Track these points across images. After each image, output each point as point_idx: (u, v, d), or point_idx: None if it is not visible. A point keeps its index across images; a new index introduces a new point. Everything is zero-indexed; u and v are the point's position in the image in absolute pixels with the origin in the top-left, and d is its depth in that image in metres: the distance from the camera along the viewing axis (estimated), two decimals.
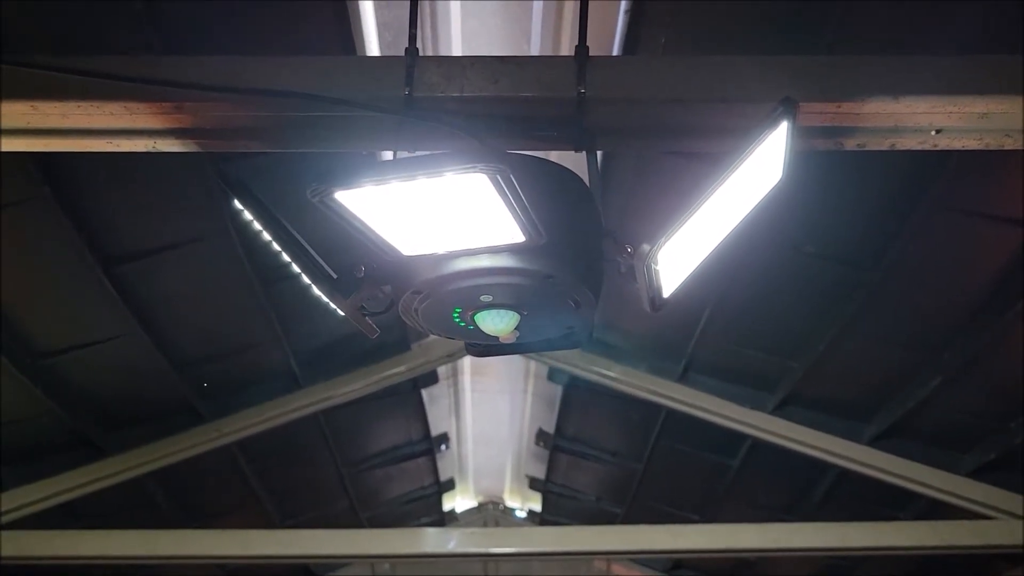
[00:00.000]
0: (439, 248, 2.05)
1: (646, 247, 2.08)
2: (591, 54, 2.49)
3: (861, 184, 3.98)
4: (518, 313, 2.23)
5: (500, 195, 1.78)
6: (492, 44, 4.11)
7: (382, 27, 3.92)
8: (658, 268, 2.15)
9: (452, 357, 6.45)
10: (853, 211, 4.23)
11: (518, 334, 2.31)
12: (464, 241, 2.03)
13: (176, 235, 4.43)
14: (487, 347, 2.54)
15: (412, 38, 2.52)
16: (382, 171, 1.76)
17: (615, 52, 3.61)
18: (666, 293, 2.27)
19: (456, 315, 2.25)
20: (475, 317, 2.24)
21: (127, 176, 3.96)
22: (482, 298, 2.16)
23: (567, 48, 3.94)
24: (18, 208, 3.90)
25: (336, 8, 3.53)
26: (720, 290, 4.86)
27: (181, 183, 4.10)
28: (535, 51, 4.07)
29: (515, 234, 1.96)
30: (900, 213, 4.06)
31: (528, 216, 1.87)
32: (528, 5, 3.97)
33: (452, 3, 3.99)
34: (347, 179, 1.76)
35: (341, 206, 1.83)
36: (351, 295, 2.31)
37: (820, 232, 4.38)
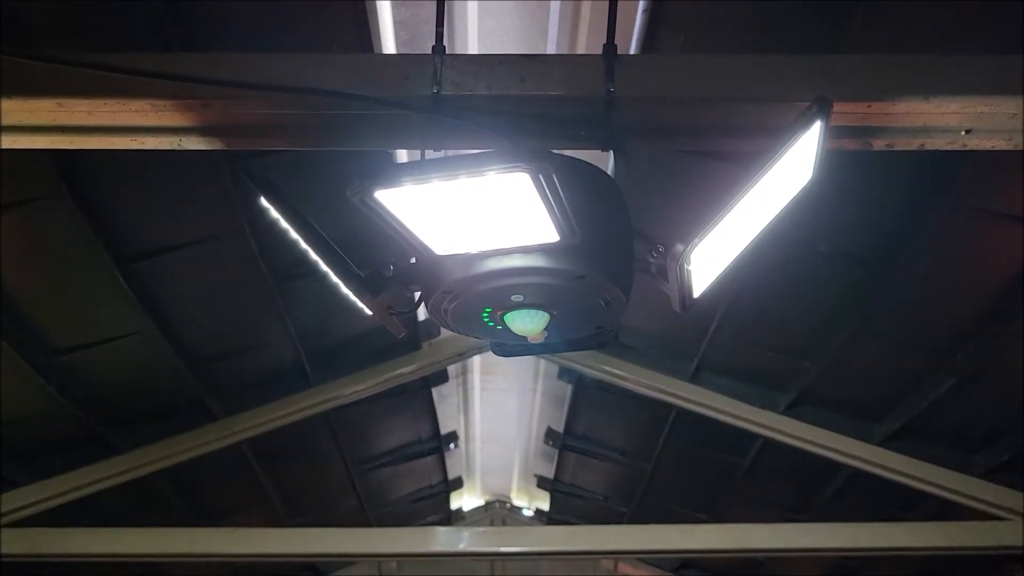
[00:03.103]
0: (472, 247, 2.05)
1: (680, 247, 2.07)
2: None
3: (877, 183, 3.95)
4: (548, 313, 2.23)
5: (540, 194, 1.78)
6: (509, 44, 4.10)
7: (399, 25, 3.91)
8: (690, 268, 2.14)
9: (462, 356, 6.42)
10: (868, 210, 4.21)
11: (547, 334, 2.31)
12: (497, 240, 2.02)
13: (191, 233, 4.42)
14: (514, 347, 2.53)
15: (439, 36, 2.52)
16: (424, 170, 1.76)
17: (632, 52, 3.60)
18: (696, 293, 2.26)
19: (486, 315, 2.25)
20: (505, 317, 2.24)
21: (143, 174, 3.95)
22: (513, 298, 2.17)
23: (583, 48, 3.93)
24: (34, 205, 3.90)
25: (354, 6, 3.52)
26: (733, 289, 4.83)
27: (197, 181, 4.09)
28: (551, 51, 4.06)
29: (550, 233, 1.95)
30: (916, 213, 4.04)
31: (565, 215, 1.86)
32: (545, 5, 3.96)
33: (469, 3, 3.98)
34: (388, 178, 1.75)
35: (380, 205, 1.83)
36: (380, 294, 2.31)
37: (834, 231, 4.35)
